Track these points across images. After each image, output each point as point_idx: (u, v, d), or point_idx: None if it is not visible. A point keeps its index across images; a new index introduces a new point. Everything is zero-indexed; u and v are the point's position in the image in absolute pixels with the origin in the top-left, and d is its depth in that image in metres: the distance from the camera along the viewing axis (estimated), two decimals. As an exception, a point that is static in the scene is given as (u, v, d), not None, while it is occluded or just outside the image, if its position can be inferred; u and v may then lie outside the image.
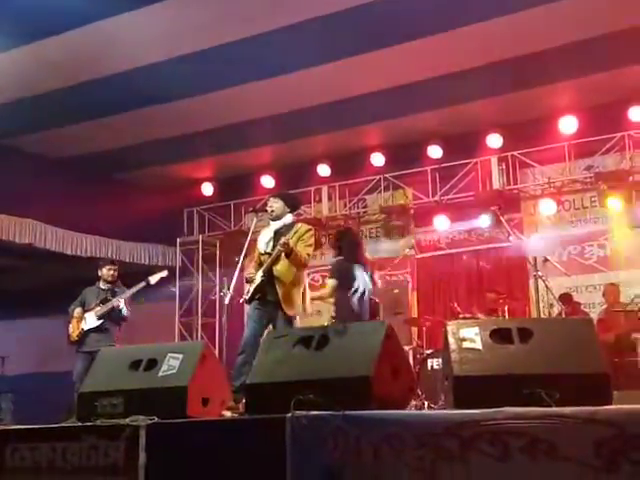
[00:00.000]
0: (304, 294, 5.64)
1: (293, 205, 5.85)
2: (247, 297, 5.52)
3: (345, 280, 6.43)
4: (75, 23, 7.22)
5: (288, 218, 5.69)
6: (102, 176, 10.70)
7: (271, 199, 5.79)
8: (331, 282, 6.50)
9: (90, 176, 10.47)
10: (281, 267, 5.44)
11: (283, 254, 5.38)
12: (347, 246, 6.69)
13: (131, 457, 3.34)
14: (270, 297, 5.45)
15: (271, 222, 5.71)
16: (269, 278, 5.43)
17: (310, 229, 5.71)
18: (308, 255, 5.57)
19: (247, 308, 5.80)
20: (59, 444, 3.54)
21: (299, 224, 5.78)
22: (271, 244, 5.56)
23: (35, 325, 12.33)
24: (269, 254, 5.50)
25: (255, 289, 5.48)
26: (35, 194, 9.50)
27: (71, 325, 7.43)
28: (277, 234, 5.58)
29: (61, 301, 7.76)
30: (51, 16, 6.97)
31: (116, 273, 7.68)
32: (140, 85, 8.24)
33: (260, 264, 5.57)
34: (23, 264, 11.22)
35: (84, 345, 7.31)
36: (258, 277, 5.46)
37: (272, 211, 5.67)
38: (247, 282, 5.62)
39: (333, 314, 6.62)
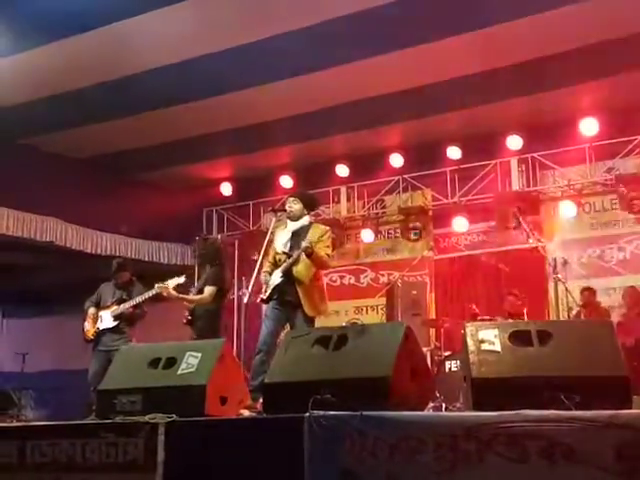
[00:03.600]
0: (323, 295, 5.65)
1: (311, 205, 5.85)
2: (264, 297, 5.53)
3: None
4: (95, 23, 7.26)
5: (306, 219, 5.69)
6: (122, 176, 10.77)
7: (290, 199, 5.78)
8: (211, 289, 6.38)
9: (110, 175, 10.56)
10: (301, 268, 5.44)
11: (303, 254, 5.39)
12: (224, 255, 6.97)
13: (150, 454, 3.37)
14: (289, 297, 5.45)
15: (289, 222, 5.71)
16: (288, 278, 5.44)
17: (328, 230, 5.71)
18: (328, 256, 5.58)
19: (264, 308, 5.82)
20: (79, 441, 3.57)
21: (316, 224, 5.78)
22: (289, 244, 5.56)
23: (55, 323, 12.42)
24: (286, 254, 5.50)
25: (273, 289, 5.48)
26: (56, 193, 9.59)
27: (86, 323, 7.39)
28: (295, 234, 5.58)
29: (81, 299, 7.77)
30: (72, 16, 7.00)
31: (123, 277, 7.49)
32: (159, 85, 8.28)
33: (276, 264, 5.58)
34: (44, 262, 11.32)
35: (100, 344, 7.29)
36: (277, 277, 5.47)
37: (291, 211, 5.67)
38: (263, 282, 5.62)
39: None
